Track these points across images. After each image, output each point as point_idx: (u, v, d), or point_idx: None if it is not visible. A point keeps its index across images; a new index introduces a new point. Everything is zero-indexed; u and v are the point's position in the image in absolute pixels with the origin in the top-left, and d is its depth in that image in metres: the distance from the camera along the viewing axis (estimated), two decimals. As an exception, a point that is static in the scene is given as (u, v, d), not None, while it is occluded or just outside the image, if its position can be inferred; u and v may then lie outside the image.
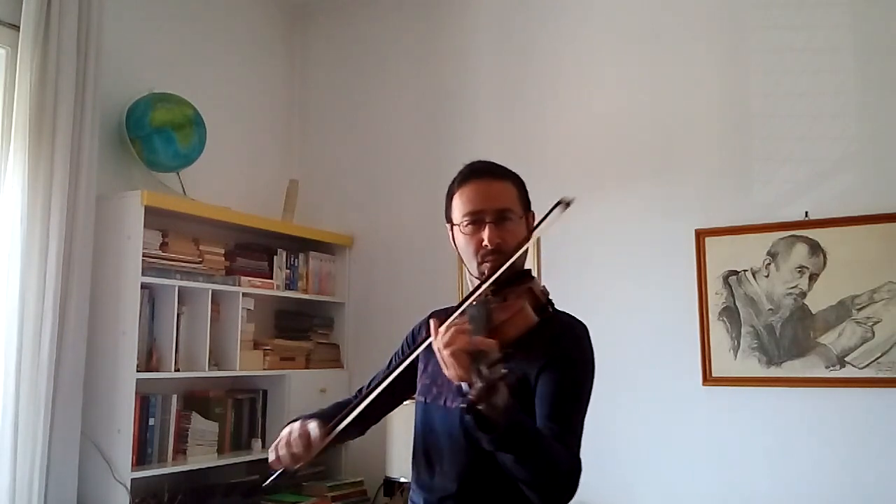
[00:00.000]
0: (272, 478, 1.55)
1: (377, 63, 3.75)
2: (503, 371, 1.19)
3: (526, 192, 1.65)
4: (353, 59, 3.82)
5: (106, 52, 2.81)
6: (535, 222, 1.48)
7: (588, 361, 1.53)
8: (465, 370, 1.26)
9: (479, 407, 1.19)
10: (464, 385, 1.21)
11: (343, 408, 1.55)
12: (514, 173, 1.64)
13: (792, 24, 2.85)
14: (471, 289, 1.62)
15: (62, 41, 2.61)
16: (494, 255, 1.53)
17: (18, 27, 2.57)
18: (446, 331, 1.32)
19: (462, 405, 1.21)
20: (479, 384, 1.17)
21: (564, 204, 1.44)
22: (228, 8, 3.62)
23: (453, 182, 1.64)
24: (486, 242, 1.53)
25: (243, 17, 3.70)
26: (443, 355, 1.31)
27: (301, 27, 3.98)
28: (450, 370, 1.31)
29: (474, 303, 1.47)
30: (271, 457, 1.53)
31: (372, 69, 3.76)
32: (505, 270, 1.49)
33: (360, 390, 1.74)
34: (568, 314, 1.60)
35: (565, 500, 1.38)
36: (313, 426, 1.48)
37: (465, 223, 1.57)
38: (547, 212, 1.47)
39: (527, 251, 1.60)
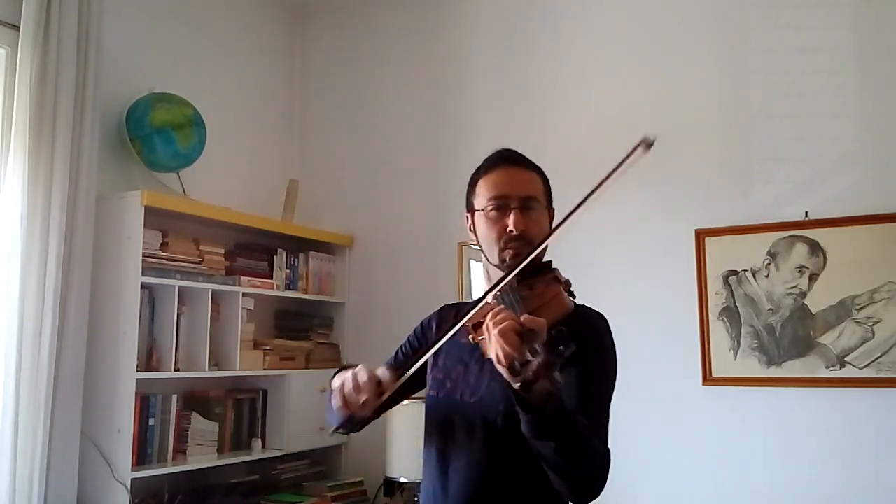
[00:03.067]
0: (337, 425, 1.51)
1: (377, 63, 3.75)
2: (572, 346, 1.15)
3: (550, 187, 1.62)
4: (353, 59, 3.82)
5: (106, 52, 2.81)
6: (618, 163, 1.37)
7: (612, 353, 1.52)
8: (515, 349, 1.19)
9: (536, 386, 1.15)
10: (516, 364, 1.16)
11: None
12: (539, 166, 1.62)
13: (792, 23, 2.85)
14: (486, 279, 1.59)
15: (62, 41, 2.61)
16: (518, 241, 1.49)
17: (18, 27, 2.57)
18: (498, 311, 1.27)
19: (513, 387, 1.17)
20: (537, 361, 1.13)
21: (646, 144, 1.34)
22: (228, 8, 3.62)
23: (479, 167, 1.62)
24: (510, 228, 1.50)
25: (243, 18, 3.70)
26: (492, 335, 1.23)
27: (301, 27, 3.98)
28: (499, 353, 1.22)
29: (499, 292, 1.40)
30: (336, 402, 1.46)
31: (372, 69, 3.76)
32: (532, 259, 1.44)
33: None
34: (589, 307, 1.57)
35: (597, 491, 1.35)
36: (382, 371, 1.43)
37: (490, 207, 1.54)
38: (630, 150, 1.35)
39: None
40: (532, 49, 3.35)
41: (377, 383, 1.41)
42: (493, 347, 1.23)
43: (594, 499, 1.36)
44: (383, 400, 1.44)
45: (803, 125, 2.79)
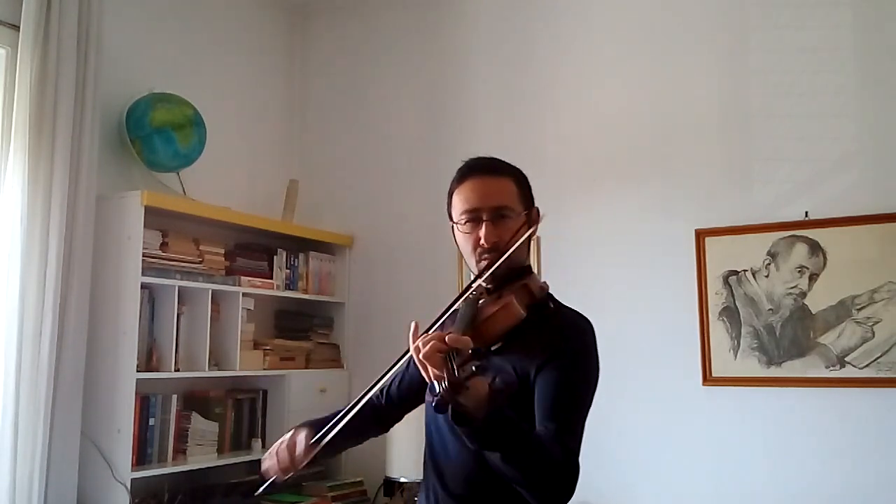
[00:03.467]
0: (263, 487, 1.57)
1: (377, 63, 3.75)
2: (473, 368, 1.19)
3: (527, 188, 1.62)
4: (353, 59, 3.82)
5: (106, 52, 2.81)
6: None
7: (590, 358, 1.50)
8: (438, 368, 1.26)
9: (449, 405, 1.18)
10: (435, 384, 1.21)
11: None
12: (513, 169, 1.61)
13: (792, 24, 2.85)
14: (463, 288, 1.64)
15: (62, 41, 2.61)
16: (491, 253, 1.52)
17: (18, 27, 2.57)
18: (422, 336, 1.35)
19: (432, 403, 1.21)
20: (444, 384, 1.17)
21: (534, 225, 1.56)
22: (228, 8, 3.62)
23: (452, 180, 1.63)
24: (482, 241, 1.53)
25: (243, 18, 3.70)
26: (418, 357, 1.32)
27: (301, 27, 3.98)
28: (425, 371, 1.31)
29: (463, 303, 1.49)
30: (264, 465, 1.58)
31: (372, 69, 3.76)
32: (503, 268, 1.49)
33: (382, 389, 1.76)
34: (572, 310, 1.58)
35: (562, 500, 1.35)
36: (301, 438, 1.52)
37: (463, 221, 1.57)
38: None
39: (528, 248, 1.59)
40: (532, 49, 3.35)
41: (292, 457, 1.53)
42: (422, 367, 1.32)
43: None
44: (300, 468, 1.54)
45: (803, 125, 2.79)
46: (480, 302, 1.51)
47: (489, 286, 1.54)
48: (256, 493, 1.61)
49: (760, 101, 2.88)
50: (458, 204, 1.58)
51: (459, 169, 1.63)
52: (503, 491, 1.43)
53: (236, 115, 3.59)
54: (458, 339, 1.29)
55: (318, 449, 1.51)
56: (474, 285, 1.49)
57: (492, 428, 1.23)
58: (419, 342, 1.32)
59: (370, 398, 1.52)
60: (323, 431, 1.51)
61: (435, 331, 1.42)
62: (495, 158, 1.63)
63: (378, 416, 1.75)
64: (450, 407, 1.18)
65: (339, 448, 1.66)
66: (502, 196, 1.56)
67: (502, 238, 1.53)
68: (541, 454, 1.31)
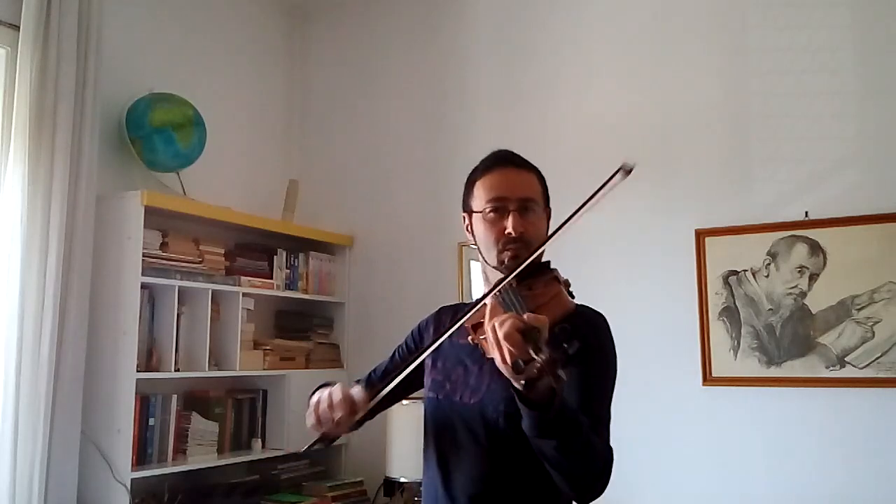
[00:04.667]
0: (311, 443, 1.50)
1: (377, 63, 3.75)
2: (577, 344, 1.15)
3: (547, 188, 1.62)
4: (353, 59, 3.82)
5: (106, 52, 2.81)
6: (597, 189, 1.39)
7: (611, 352, 1.52)
8: (518, 348, 1.19)
9: (539, 384, 1.15)
10: (520, 362, 1.15)
11: (366, 383, 1.51)
12: (537, 168, 1.61)
13: (792, 23, 2.85)
14: (484, 280, 1.60)
15: (62, 41, 2.61)
16: (517, 243, 1.50)
17: (18, 27, 2.57)
18: (497, 316, 1.26)
19: (516, 386, 1.17)
20: (541, 358, 1.13)
21: (626, 171, 1.36)
22: (228, 8, 3.62)
23: (476, 169, 1.61)
24: (509, 230, 1.50)
25: (243, 18, 3.70)
26: (497, 336, 1.22)
27: (301, 27, 3.98)
28: (503, 352, 1.21)
29: (499, 293, 1.41)
30: (310, 420, 1.47)
31: (372, 69, 3.76)
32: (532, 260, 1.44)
33: (368, 375, 1.72)
34: (588, 307, 1.57)
35: (600, 490, 1.35)
36: (357, 390, 1.43)
37: (489, 209, 1.54)
38: (609, 176, 1.37)
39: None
40: (532, 49, 3.34)
41: (351, 403, 1.42)
42: (496, 346, 1.23)
43: (597, 497, 1.36)
44: (358, 419, 1.45)
45: (803, 125, 2.79)
46: (522, 293, 1.44)
47: (516, 279, 1.46)
48: (303, 450, 1.51)
49: (760, 102, 2.88)
50: (484, 192, 1.56)
51: (485, 159, 1.61)
52: (517, 488, 1.44)
53: (236, 115, 3.59)
54: (537, 318, 1.22)
55: (376, 400, 1.44)
56: (509, 277, 1.41)
57: (561, 415, 1.22)
58: (495, 321, 1.24)
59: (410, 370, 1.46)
60: (380, 385, 1.45)
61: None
62: (518, 154, 1.62)
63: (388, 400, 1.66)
64: (532, 390, 1.16)
65: (377, 411, 1.56)
66: (529, 188, 1.56)
67: (528, 230, 1.51)
68: (591, 445, 1.31)
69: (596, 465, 1.33)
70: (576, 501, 1.41)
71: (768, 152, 2.85)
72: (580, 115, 3.20)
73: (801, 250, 2.75)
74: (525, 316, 1.23)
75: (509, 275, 1.41)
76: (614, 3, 3.20)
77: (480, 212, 1.56)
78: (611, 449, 1.39)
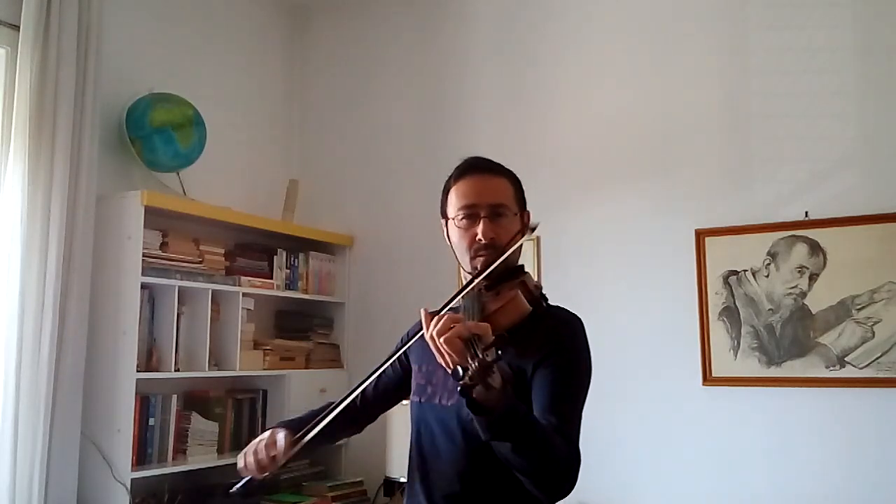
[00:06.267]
0: (239, 485, 1.56)
1: (377, 63, 3.75)
2: (498, 353, 1.21)
3: (522, 191, 1.65)
4: (353, 59, 3.82)
5: (106, 52, 2.81)
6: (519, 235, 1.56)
7: (584, 354, 1.53)
8: (459, 355, 1.26)
9: (475, 390, 1.19)
10: (459, 369, 1.21)
11: (319, 414, 1.57)
12: (510, 171, 1.65)
13: (792, 24, 2.85)
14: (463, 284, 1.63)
15: (62, 41, 2.61)
16: (488, 249, 1.54)
17: (18, 27, 2.57)
18: (439, 320, 1.34)
19: (457, 388, 1.21)
20: (474, 366, 1.18)
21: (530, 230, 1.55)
22: (228, 8, 3.62)
23: (450, 177, 1.65)
24: (479, 237, 1.54)
25: (243, 18, 3.70)
26: (437, 343, 1.31)
27: (301, 27, 3.98)
28: (444, 357, 1.31)
29: (463, 298, 1.49)
30: (239, 463, 1.56)
31: (372, 69, 3.76)
32: (498, 266, 1.51)
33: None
34: (563, 308, 1.60)
35: (565, 490, 1.36)
36: (281, 436, 1.50)
37: (460, 217, 1.58)
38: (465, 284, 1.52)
39: (520, 247, 1.61)
40: (532, 49, 3.34)
41: (273, 449, 1.51)
42: (437, 352, 1.32)
43: (564, 496, 1.38)
44: (279, 465, 1.53)
45: (803, 125, 2.79)
46: (484, 297, 1.52)
47: (486, 284, 1.54)
48: (231, 491, 1.60)
49: (760, 102, 2.88)
50: (456, 200, 1.60)
51: (457, 167, 1.65)
52: (494, 488, 1.46)
53: (236, 115, 3.59)
54: (478, 325, 1.31)
55: (298, 447, 1.51)
56: (474, 282, 1.49)
57: (509, 417, 1.25)
58: (436, 329, 1.32)
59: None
60: (305, 430, 1.51)
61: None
62: (490, 159, 1.66)
63: (353, 417, 1.75)
64: (468, 395, 1.20)
65: (316, 447, 1.65)
66: (500, 194, 1.59)
67: (499, 235, 1.55)
68: (549, 445, 1.33)
69: (558, 465, 1.35)
70: (544, 501, 1.42)
71: (768, 152, 2.85)
72: (580, 115, 3.20)
73: (801, 250, 2.75)
74: (467, 323, 1.30)
75: (471, 282, 1.49)
76: (615, 4, 3.20)
77: (453, 219, 1.60)
78: (576, 450, 1.40)
